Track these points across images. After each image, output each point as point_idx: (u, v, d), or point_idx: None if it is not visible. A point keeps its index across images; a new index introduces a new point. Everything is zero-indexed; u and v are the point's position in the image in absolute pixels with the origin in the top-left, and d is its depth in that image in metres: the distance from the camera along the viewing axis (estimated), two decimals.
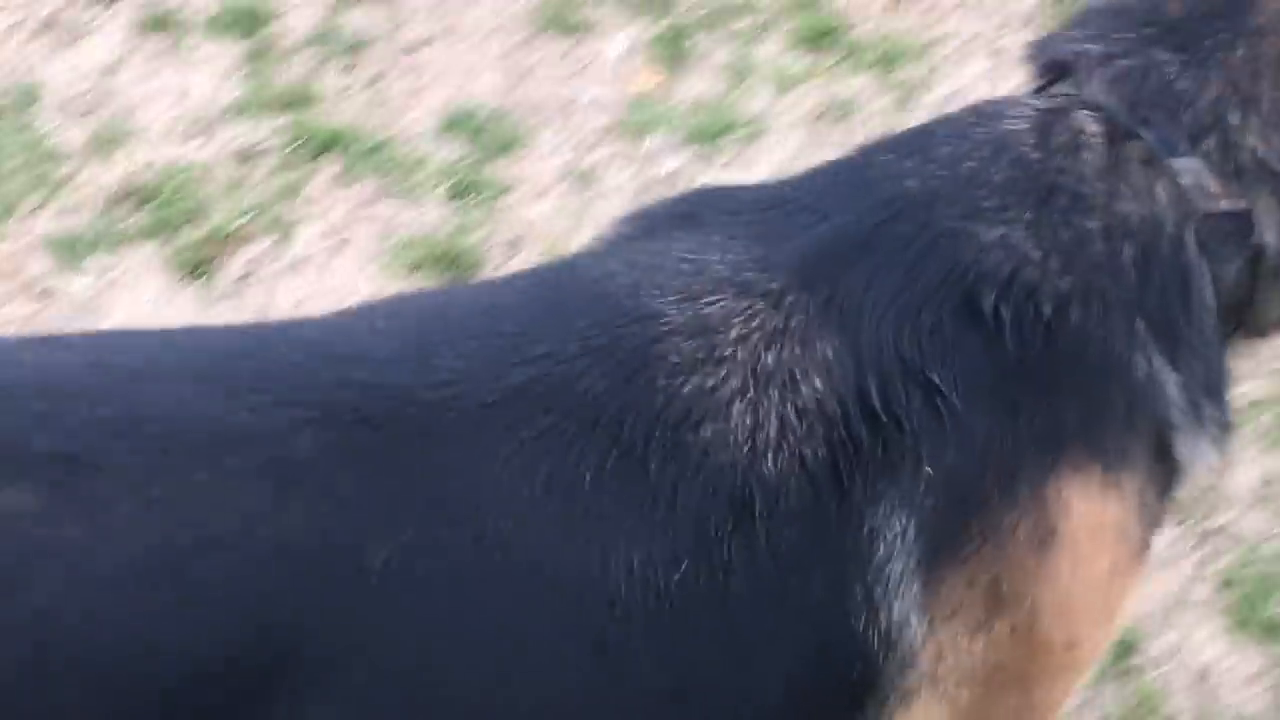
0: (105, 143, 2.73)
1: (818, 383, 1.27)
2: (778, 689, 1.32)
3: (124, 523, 1.17)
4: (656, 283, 1.30)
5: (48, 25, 2.86)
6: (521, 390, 1.24)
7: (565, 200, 2.66)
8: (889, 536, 1.29)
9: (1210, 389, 1.37)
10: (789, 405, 1.26)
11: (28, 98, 2.77)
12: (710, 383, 1.25)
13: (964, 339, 1.28)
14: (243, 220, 2.67)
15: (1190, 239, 1.32)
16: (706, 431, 1.25)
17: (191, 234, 2.64)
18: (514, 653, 1.24)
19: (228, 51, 2.84)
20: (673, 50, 2.85)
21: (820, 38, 2.87)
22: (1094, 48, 1.36)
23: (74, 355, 1.29)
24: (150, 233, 2.65)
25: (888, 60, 2.77)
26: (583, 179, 2.67)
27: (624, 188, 2.66)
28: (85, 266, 2.60)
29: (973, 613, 1.33)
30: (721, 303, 1.28)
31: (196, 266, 2.62)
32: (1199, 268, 1.34)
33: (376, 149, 2.78)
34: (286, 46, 2.86)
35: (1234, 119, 1.32)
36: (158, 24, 2.88)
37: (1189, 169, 1.32)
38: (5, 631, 1.12)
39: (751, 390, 1.25)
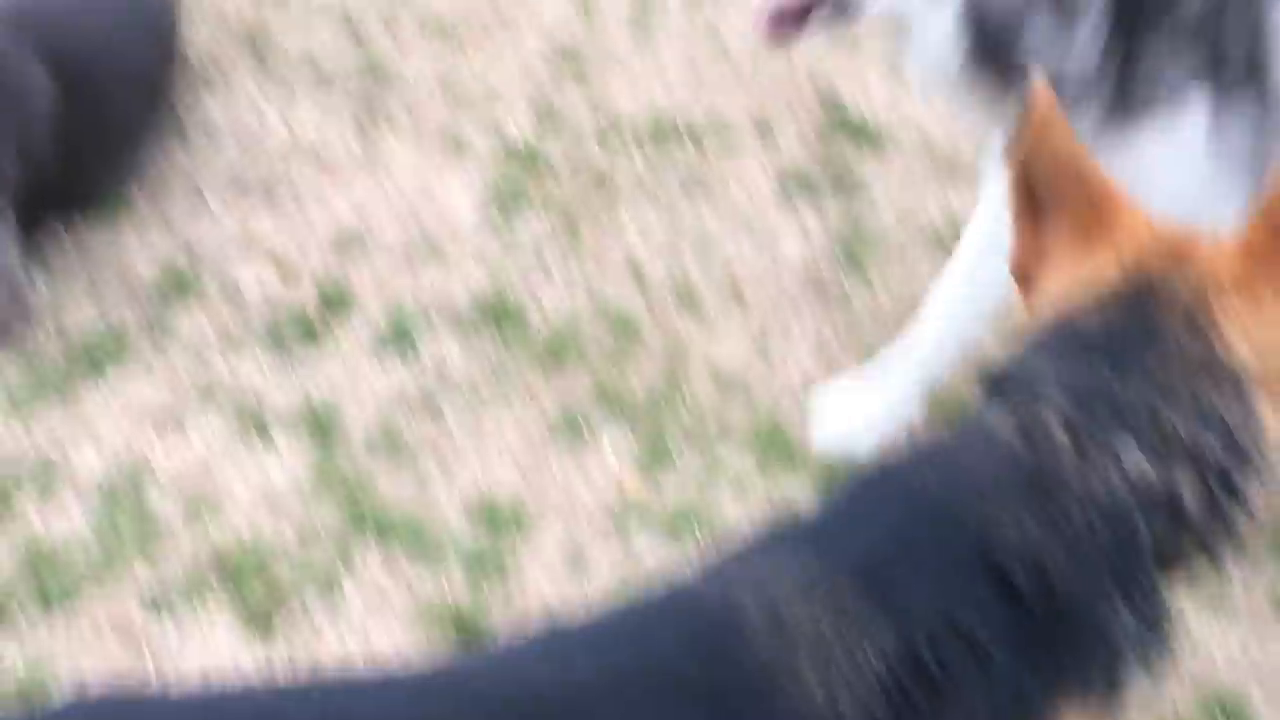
0: (196, 515, 2.94)
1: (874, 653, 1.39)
2: None
3: None
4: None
5: (158, 419, 3.13)
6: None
7: (565, 584, 2.85)
8: None
9: (1152, 625, 1.48)
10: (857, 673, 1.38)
11: (137, 477, 3.01)
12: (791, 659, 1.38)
13: (996, 606, 1.41)
14: (301, 582, 2.84)
15: (1136, 511, 1.45)
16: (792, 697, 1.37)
17: (259, 593, 2.81)
18: None
19: (301, 445, 3.07)
20: (657, 459, 3.07)
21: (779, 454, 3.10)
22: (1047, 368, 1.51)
23: None
24: (227, 592, 2.81)
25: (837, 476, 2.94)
26: (580, 566, 2.88)
27: (613, 576, 2.86)
28: (172, 619, 2.78)
29: None
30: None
31: (261, 621, 2.77)
32: (1144, 532, 1.45)
33: (414, 528, 2.95)
34: (350, 443, 3.09)
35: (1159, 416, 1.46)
36: (246, 418, 3.13)
37: (1132, 457, 1.45)
38: None
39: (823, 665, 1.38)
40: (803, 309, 3.41)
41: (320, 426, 3.15)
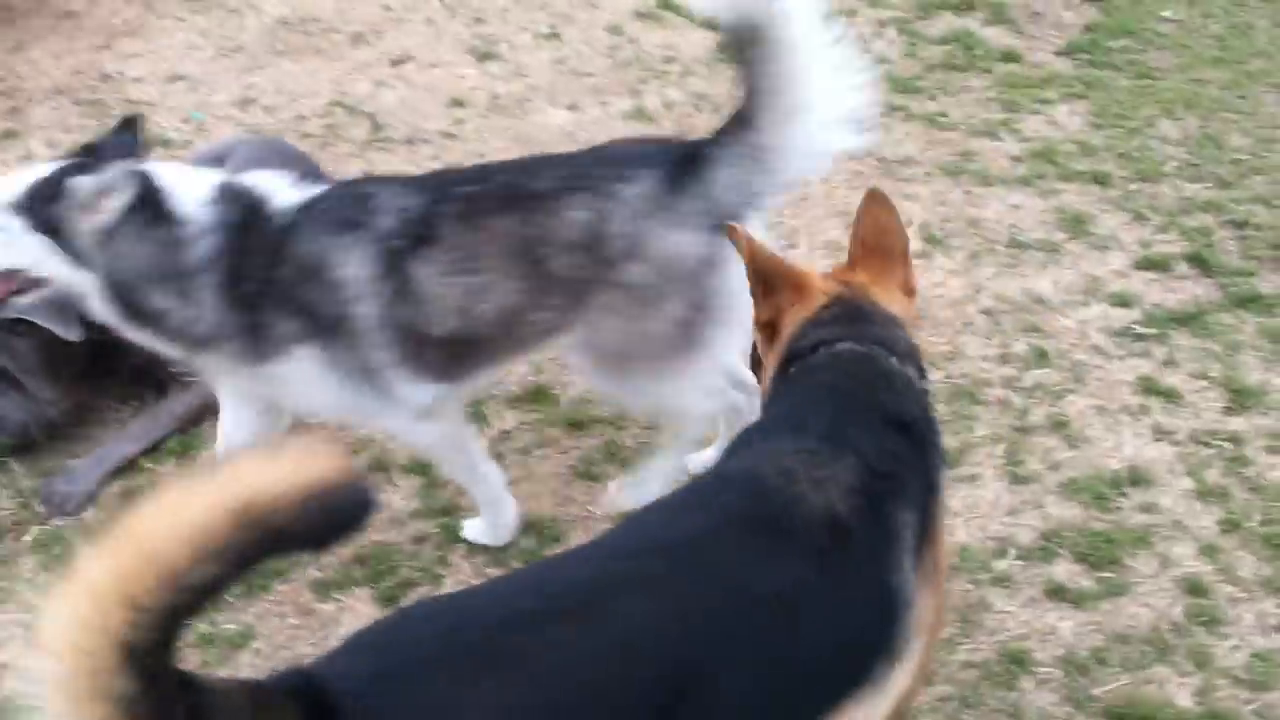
0: None
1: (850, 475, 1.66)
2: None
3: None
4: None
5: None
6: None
7: None
8: (905, 535, 1.67)
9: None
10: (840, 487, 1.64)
11: None
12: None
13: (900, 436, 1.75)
14: (415, 577, 2.86)
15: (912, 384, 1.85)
16: (806, 513, 1.62)
17: (389, 584, 2.90)
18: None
19: (410, 485, 3.11)
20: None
21: None
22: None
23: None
24: (367, 583, 2.89)
25: None
26: None
27: None
28: (330, 601, 2.85)
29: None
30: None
31: (393, 599, 2.88)
32: (918, 392, 1.86)
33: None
34: (447, 483, 3.18)
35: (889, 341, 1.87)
36: (376, 466, 3.33)
37: (892, 360, 1.85)
38: None
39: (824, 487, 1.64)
40: None
41: (424, 469, 3.16)
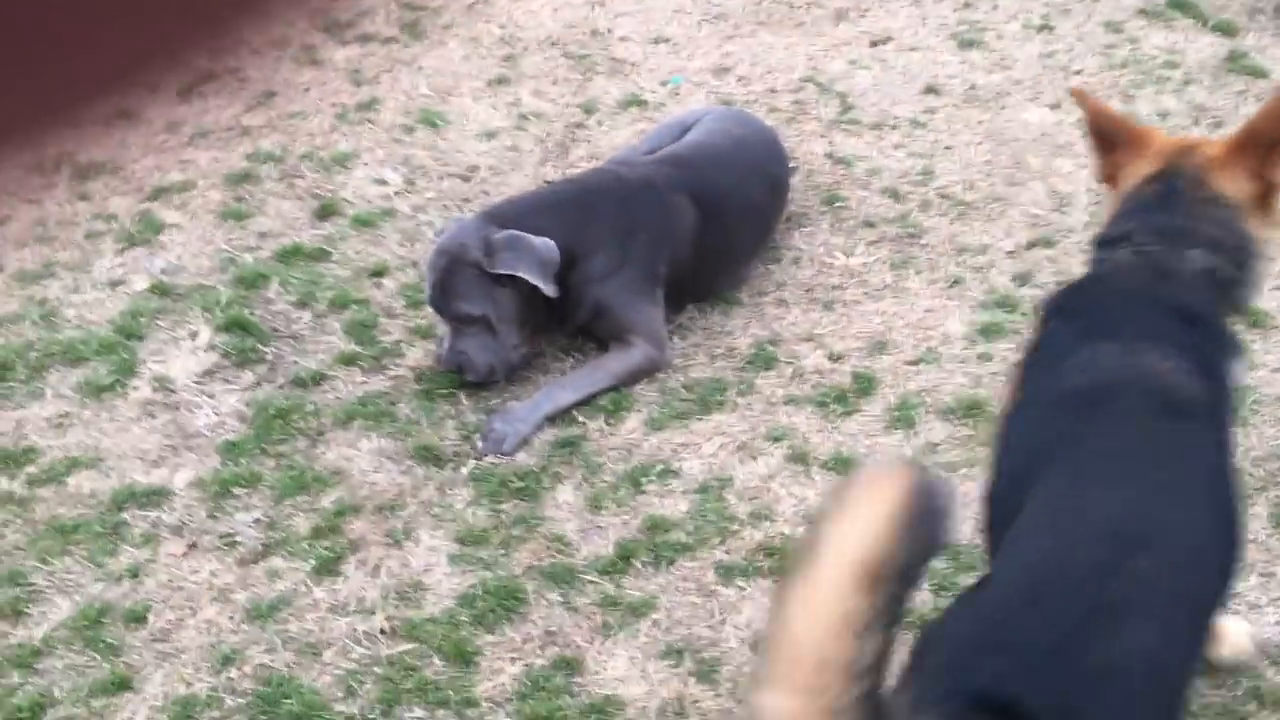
0: (757, 517, 2.96)
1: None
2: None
3: None
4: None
5: (740, 446, 3.31)
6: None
7: None
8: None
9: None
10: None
11: (723, 484, 3.11)
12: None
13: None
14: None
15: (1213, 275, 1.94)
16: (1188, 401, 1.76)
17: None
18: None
19: (830, 480, 3.04)
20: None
21: None
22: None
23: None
24: (770, 574, 2.79)
25: None
26: None
27: None
28: (732, 586, 2.82)
29: None
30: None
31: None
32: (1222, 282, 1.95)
33: None
34: None
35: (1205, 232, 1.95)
36: (797, 456, 3.16)
37: (1198, 253, 1.91)
38: None
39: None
40: None
41: (843, 468, 3.11)
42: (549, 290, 3.15)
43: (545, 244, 3.16)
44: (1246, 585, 2.79)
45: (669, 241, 3.47)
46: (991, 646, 1.47)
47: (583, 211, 3.31)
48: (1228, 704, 2.56)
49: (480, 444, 3.11)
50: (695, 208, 3.52)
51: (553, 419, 3.27)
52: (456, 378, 3.32)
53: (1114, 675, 1.39)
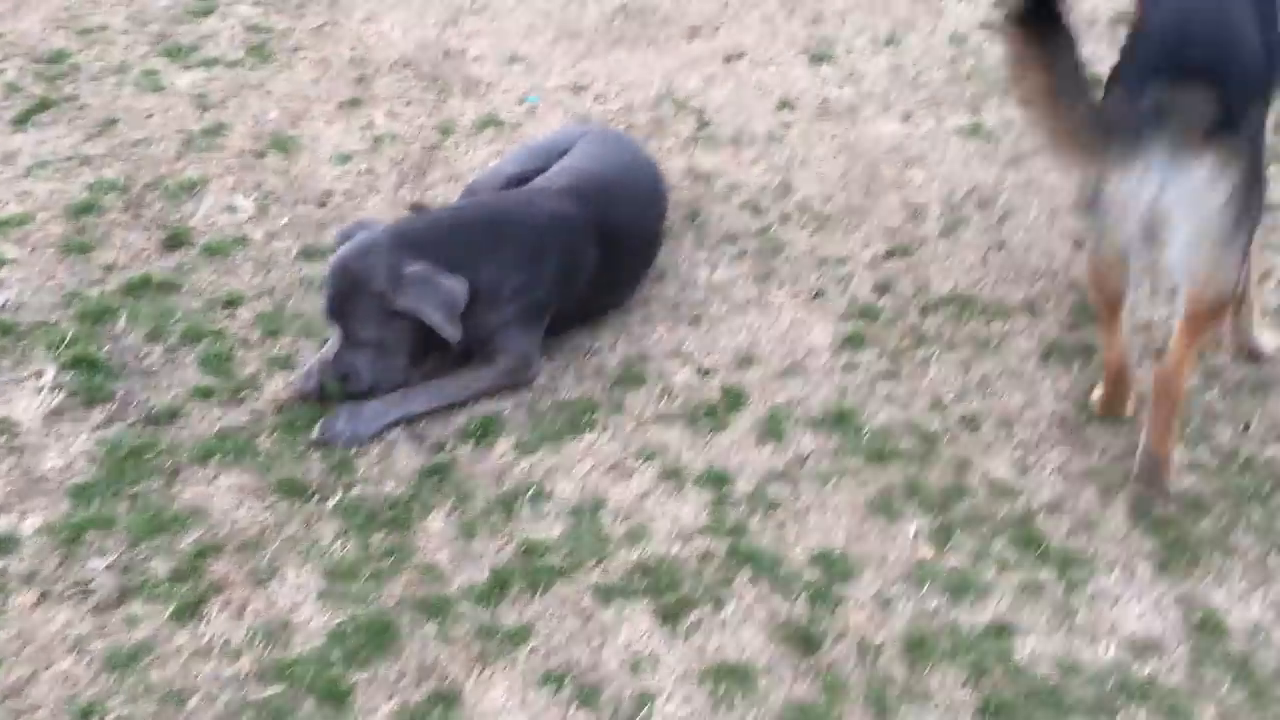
0: (633, 536, 2.90)
1: None
2: None
3: None
4: None
5: (612, 466, 3.15)
6: None
7: (877, 618, 2.79)
8: None
9: None
10: None
11: (597, 505, 3.00)
12: None
13: None
14: (698, 593, 2.76)
15: None
16: None
17: (669, 598, 2.75)
18: None
19: (703, 496, 3.01)
20: (945, 536, 2.94)
21: (1033, 544, 3.09)
22: None
23: None
24: (648, 594, 2.76)
25: None
26: (887, 607, 2.80)
27: (912, 617, 2.85)
28: (609, 609, 2.79)
29: None
30: None
31: (670, 618, 2.72)
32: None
33: (773, 563, 2.84)
34: (735, 498, 3.02)
35: None
36: (669, 472, 3.08)
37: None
38: None
39: None
40: (1054, 441, 3.25)
41: (717, 483, 3.10)
42: (451, 336, 3.15)
43: (454, 287, 3.14)
44: (1110, 580, 2.86)
45: (572, 274, 3.43)
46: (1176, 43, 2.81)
47: (496, 239, 3.28)
48: (1099, 699, 2.62)
49: (316, 433, 3.11)
50: (597, 243, 3.48)
51: (396, 424, 3.22)
52: (318, 407, 3.24)
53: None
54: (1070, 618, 2.78)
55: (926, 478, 3.14)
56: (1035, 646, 2.71)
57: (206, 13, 5.15)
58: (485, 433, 3.24)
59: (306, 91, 4.64)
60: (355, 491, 3.06)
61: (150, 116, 4.47)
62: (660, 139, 4.42)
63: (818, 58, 4.90)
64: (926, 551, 2.95)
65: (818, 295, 3.78)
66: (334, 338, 3.27)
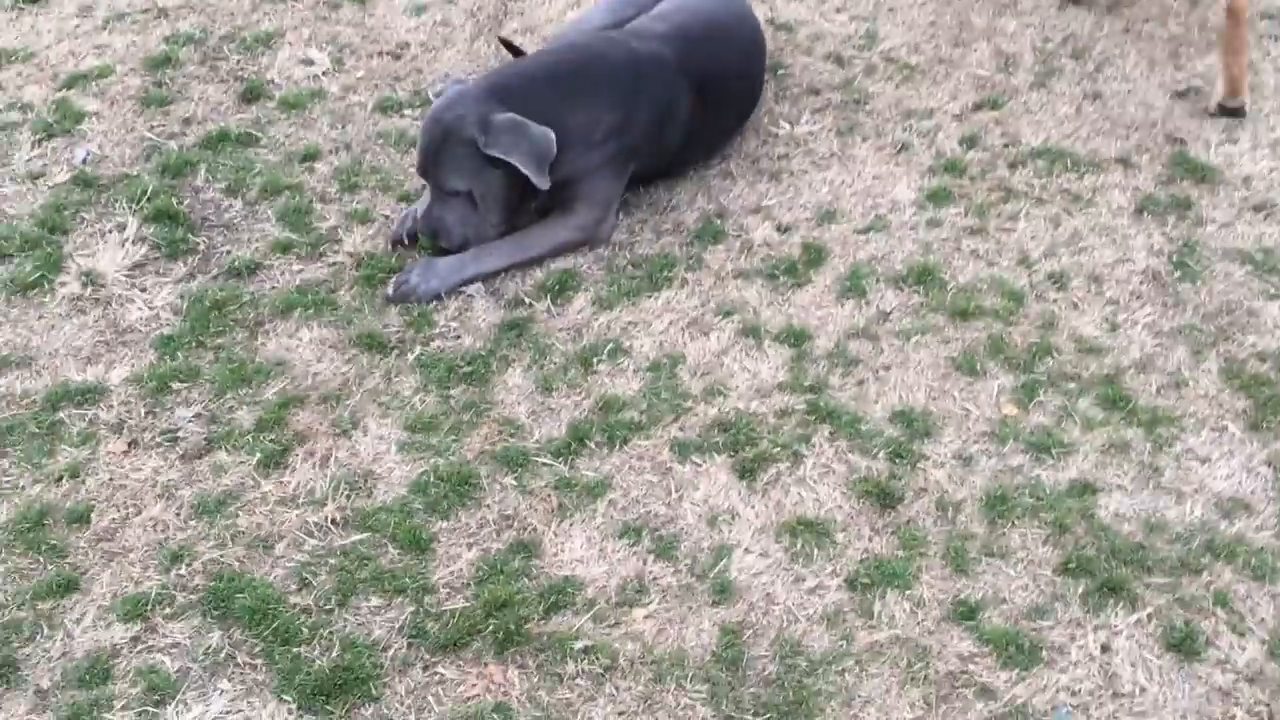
0: (711, 392, 2.90)
1: None
2: None
3: None
4: None
5: (690, 322, 3.11)
6: None
7: (958, 476, 2.79)
8: None
9: None
10: None
11: (675, 361, 2.97)
12: None
13: None
14: (775, 449, 2.75)
15: None
16: None
17: (748, 453, 2.75)
18: None
19: (782, 353, 3.01)
20: (1029, 394, 2.88)
21: (1120, 404, 2.98)
22: None
23: None
24: (726, 450, 2.76)
25: None
26: (968, 464, 2.74)
27: (992, 474, 2.75)
28: (688, 464, 2.75)
29: None
30: None
31: (747, 473, 2.71)
32: None
33: (853, 421, 2.82)
34: (814, 355, 2.99)
35: None
36: (747, 329, 3.06)
37: None
38: None
39: None
40: (1145, 298, 3.16)
41: (796, 340, 3.07)
42: (542, 184, 3.10)
43: (544, 135, 3.08)
44: (1198, 439, 2.81)
45: (664, 123, 3.37)
46: None
47: (589, 82, 3.24)
48: (1183, 557, 2.58)
49: (390, 289, 3.15)
50: (692, 90, 3.41)
51: (478, 282, 3.23)
52: (398, 262, 3.24)
53: None
54: (1156, 476, 2.72)
55: (1011, 336, 3.08)
56: (1119, 505, 2.67)
57: None
58: (563, 288, 3.23)
59: None
60: (434, 346, 3.07)
61: None
62: None
63: None
64: (1010, 410, 2.89)
65: (902, 149, 3.68)
66: (426, 194, 3.25)
